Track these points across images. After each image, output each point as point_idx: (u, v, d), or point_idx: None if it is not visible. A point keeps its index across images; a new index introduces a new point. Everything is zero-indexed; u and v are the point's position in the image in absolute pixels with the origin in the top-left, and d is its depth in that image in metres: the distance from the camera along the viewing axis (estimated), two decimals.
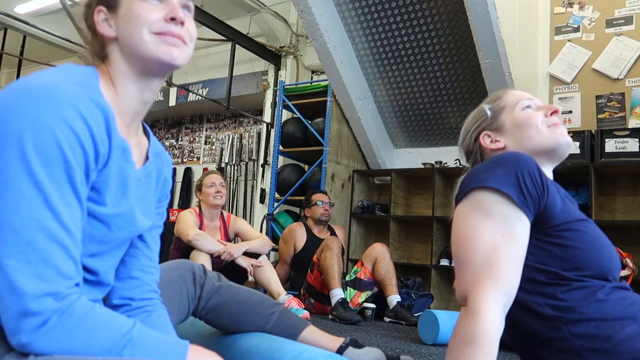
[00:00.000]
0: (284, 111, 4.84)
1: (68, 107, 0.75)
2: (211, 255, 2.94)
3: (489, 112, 1.18)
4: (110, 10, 0.89)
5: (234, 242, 3.22)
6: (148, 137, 1.01)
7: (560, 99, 3.90)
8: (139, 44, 0.86)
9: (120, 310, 1.00)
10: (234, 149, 6.51)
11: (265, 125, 5.87)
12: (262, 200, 5.73)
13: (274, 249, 4.17)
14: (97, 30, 0.90)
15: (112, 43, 0.89)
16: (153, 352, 0.75)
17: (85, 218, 0.80)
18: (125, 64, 0.89)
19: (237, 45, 5.25)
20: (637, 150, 3.31)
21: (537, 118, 1.11)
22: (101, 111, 0.80)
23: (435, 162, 4.33)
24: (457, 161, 4.20)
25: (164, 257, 1.16)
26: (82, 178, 0.77)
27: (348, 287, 3.22)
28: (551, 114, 1.11)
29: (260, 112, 6.10)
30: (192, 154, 7.11)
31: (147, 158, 0.98)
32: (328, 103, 4.40)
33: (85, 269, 0.88)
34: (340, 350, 1.46)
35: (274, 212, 4.61)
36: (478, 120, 1.20)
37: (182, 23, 0.87)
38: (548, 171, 1.12)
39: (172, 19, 0.86)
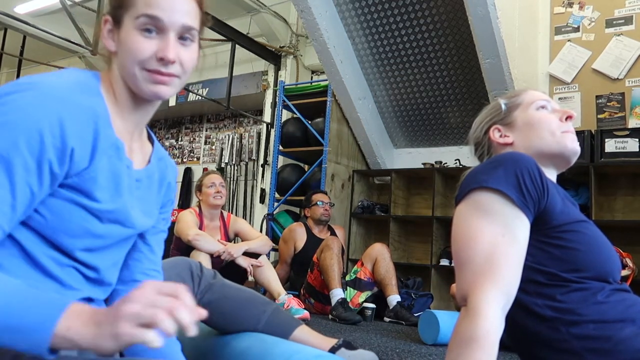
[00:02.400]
0: (284, 111, 4.84)
1: (47, 103, 0.77)
2: (211, 255, 2.94)
3: (503, 107, 1.17)
4: (115, 24, 0.89)
5: (234, 242, 3.22)
6: (153, 143, 1.03)
7: (560, 99, 3.90)
8: (131, 76, 0.87)
9: None
10: (234, 149, 6.51)
11: (265, 125, 5.87)
12: (262, 200, 5.73)
13: (274, 249, 4.17)
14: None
15: (114, 55, 0.91)
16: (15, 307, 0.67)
17: (26, 203, 0.78)
18: (122, 81, 0.90)
19: (237, 45, 5.25)
20: (637, 150, 3.31)
21: (551, 121, 1.11)
22: (89, 113, 0.82)
23: (435, 162, 4.33)
24: (457, 161, 4.20)
25: (164, 257, 1.17)
26: (28, 165, 0.76)
27: (348, 287, 3.22)
28: (566, 119, 1.11)
29: (260, 112, 6.10)
30: (192, 154, 7.11)
31: (149, 162, 1.00)
32: (328, 103, 4.40)
33: (84, 264, 0.89)
34: (332, 351, 1.46)
35: (274, 212, 4.61)
36: (491, 114, 1.20)
37: (172, 62, 0.86)
38: (551, 175, 1.12)
39: (161, 59, 0.85)
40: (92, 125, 0.82)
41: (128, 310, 0.61)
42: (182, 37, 0.88)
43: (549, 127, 1.10)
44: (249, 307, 1.45)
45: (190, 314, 0.62)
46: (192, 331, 0.62)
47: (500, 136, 1.16)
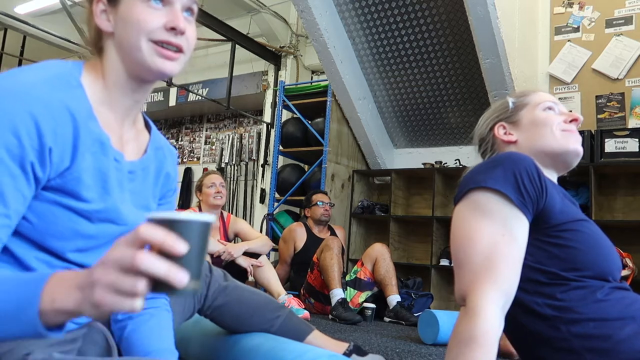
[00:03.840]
0: (284, 111, 4.84)
1: (20, 105, 0.75)
2: (211, 255, 2.94)
3: (511, 105, 1.18)
4: (110, 3, 0.86)
5: (234, 242, 3.22)
6: (150, 131, 0.99)
7: (560, 99, 3.90)
8: (135, 50, 0.84)
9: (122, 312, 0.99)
10: (234, 149, 6.52)
11: (265, 125, 5.87)
12: (262, 200, 5.73)
13: (274, 249, 4.17)
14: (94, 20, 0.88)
15: (109, 37, 0.87)
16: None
17: (19, 210, 0.77)
18: (119, 61, 0.87)
19: (237, 45, 5.25)
20: (637, 150, 3.31)
21: (555, 121, 1.11)
22: (66, 111, 0.79)
23: (435, 162, 4.33)
24: (457, 161, 4.20)
25: None
26: (13, 172, 0.75)
27: (348, 287, 3.22)
28: (570, 121, 1.11)
29: (260, 112, 6.10)
30: (192, 154, 7.11)
31: (146, 152, 0.97)
32: (328, 103, 4.40)
33: (77, 264, 0.87)
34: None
35: (274, 212, 4.61)
36: (498, 111, 1.20)
37: (183, 32, 0.85)
38: (551, 177, 1.12)
39: (172, 29, 0.84)
40: (69, 122, 0.79)
41: (103, 279, 0.56)
42: (186, 10, 0.87)
43: (552, 127, 1.10)
44: (263, 311, 1.44)
45: (168, 269, 0.55)
46: (181, 282, 0.56)
47: (505, 134, 1.16)
